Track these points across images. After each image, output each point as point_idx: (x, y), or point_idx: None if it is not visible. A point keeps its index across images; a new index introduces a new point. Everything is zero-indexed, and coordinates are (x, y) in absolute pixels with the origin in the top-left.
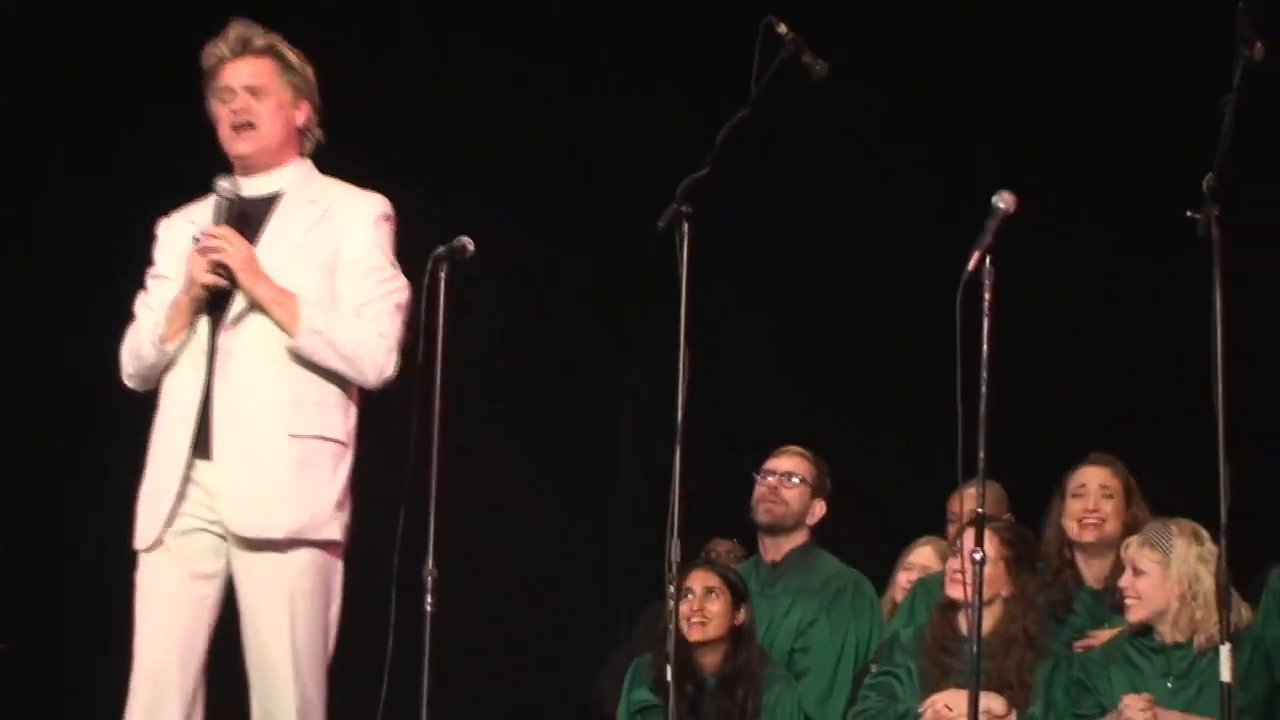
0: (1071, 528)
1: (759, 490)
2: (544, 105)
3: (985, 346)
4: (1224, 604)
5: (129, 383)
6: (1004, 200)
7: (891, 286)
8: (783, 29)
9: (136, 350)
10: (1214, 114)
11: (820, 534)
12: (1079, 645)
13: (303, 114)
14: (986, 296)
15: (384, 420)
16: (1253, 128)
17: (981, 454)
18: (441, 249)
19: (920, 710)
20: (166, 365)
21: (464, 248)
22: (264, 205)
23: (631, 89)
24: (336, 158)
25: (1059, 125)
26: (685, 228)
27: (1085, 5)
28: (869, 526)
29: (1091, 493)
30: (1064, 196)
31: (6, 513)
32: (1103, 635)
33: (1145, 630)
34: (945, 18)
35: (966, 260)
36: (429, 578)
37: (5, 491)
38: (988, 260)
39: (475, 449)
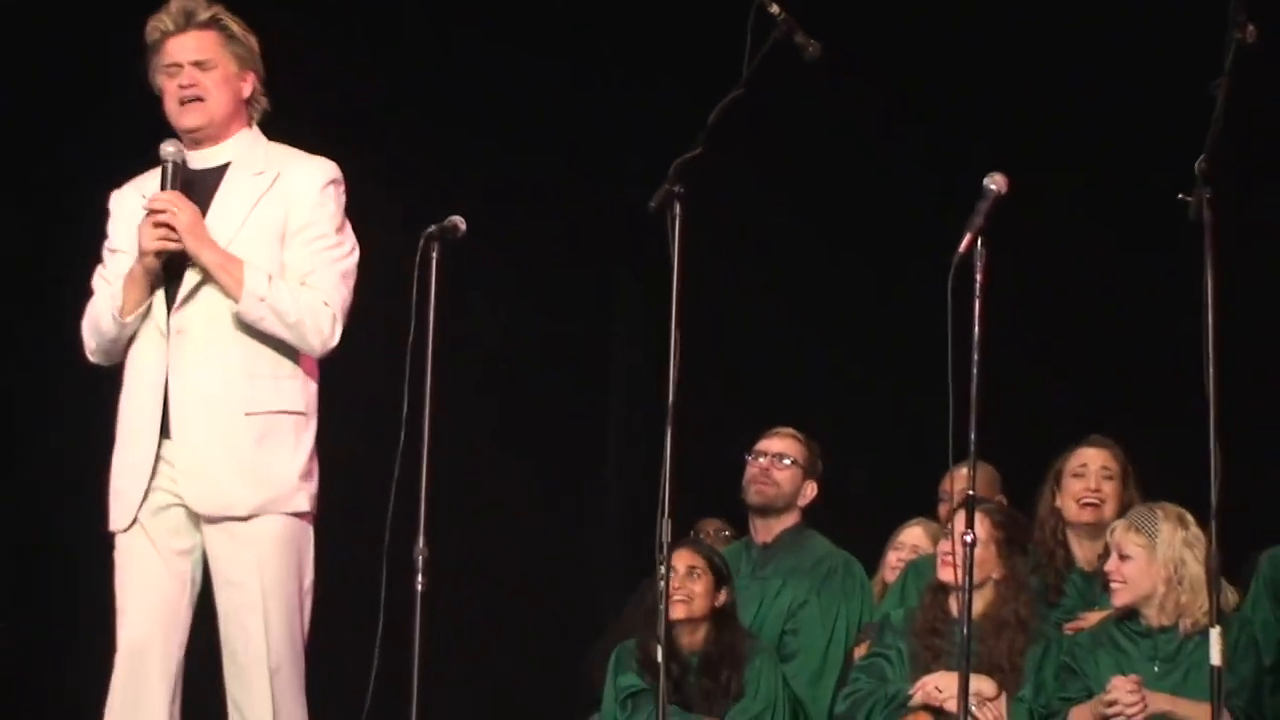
0: (1070, 508)
1: (750, 471)
2: (535, 86)
3: (977, 328)
4: (1214, 587)
5: (92, 358)
6: (995, 182)
7: (884, 267)
8: (775, 9)
9: (96, 325)
10: (1206, 97)
11: (811, 515)
12: (1070, 627)
13: (249, 84)
14: (978, 278)
15: (374, 399)
16: (1245, 110)
17: (973, 435)
18: (433, 228)
19: (911, 692)
20: (129, 339)
21: (455, 227)
22: (212, 176)
23: (623, 72)
24: (328, 136)
25: (1052, 107)
26: (677, 208)
27: None
28: (859, 507)
29: (1093, 473)
30: (1057, 179)
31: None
32: (1093, 617)
33: (1131, 614)
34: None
35: (958, 242)
36: (420, 557)
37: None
38: (979, 242)
39: (466, 429)
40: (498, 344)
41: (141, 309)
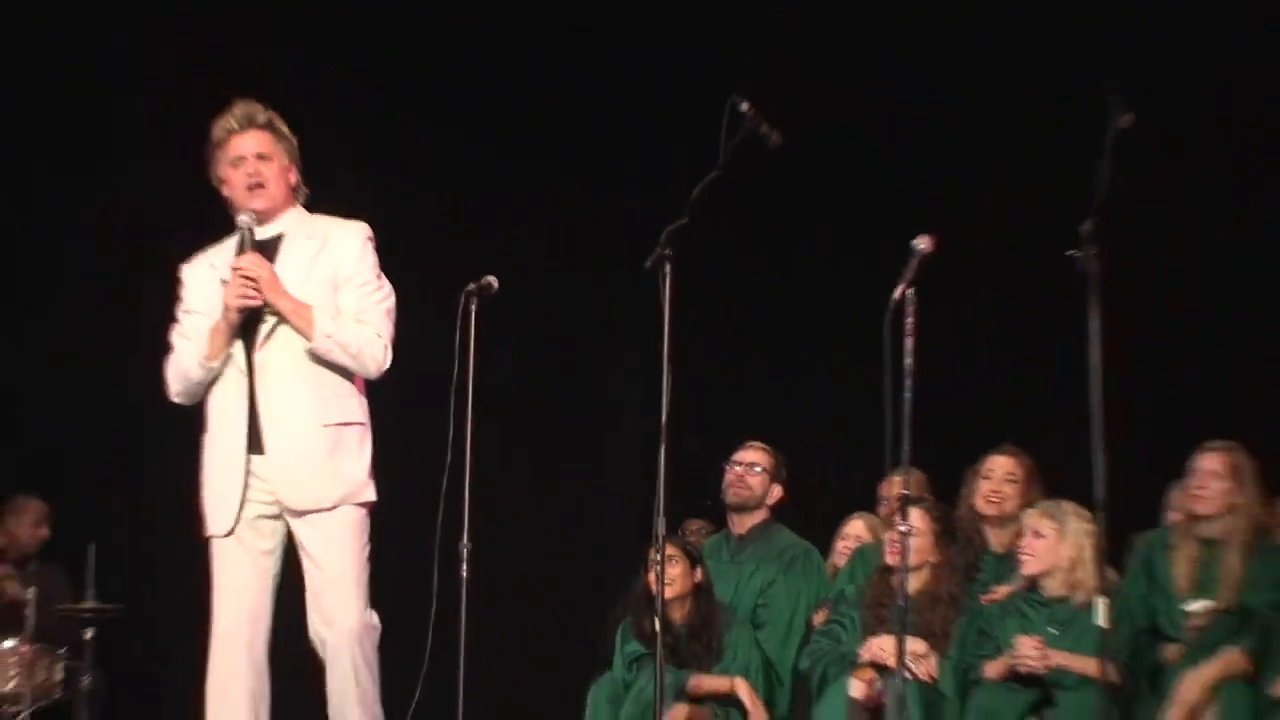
0: (980, 503)
1: (728, 477)
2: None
3: (909, 359)
4: (1102, 565)
5: (177, 399)
6: (923, 243)
7: (835, 313)
8: (744, 106)
9: (184, 373)
10: (1091, 170)
11: (778, 512)
12: (985, 599)
13: (294, 174)
14: (909, 320)
15: (424, 429)
16: (1125, 179)
17: (906, 446)
18: (472, 285)
19: (860, 651)
20: (211, 381)
21: (490, 285)
22: (271, 245)
23: (609, 146)
24: (362, 195)
25: (969, 180)
26: (668, 268)
27: (979, 89)
28: (815, 506)
29: (997, 476)
30: (975, 237)
31: (111, 500)
32: (1003, 590)
33: (1033, 587)
34: (866, 94)
35: (892, 292)
36: (464, 550)
37: (111, 483)
38: (910, 291)
39: (500, 451)
40: (522, 382)
41: (224, 354)
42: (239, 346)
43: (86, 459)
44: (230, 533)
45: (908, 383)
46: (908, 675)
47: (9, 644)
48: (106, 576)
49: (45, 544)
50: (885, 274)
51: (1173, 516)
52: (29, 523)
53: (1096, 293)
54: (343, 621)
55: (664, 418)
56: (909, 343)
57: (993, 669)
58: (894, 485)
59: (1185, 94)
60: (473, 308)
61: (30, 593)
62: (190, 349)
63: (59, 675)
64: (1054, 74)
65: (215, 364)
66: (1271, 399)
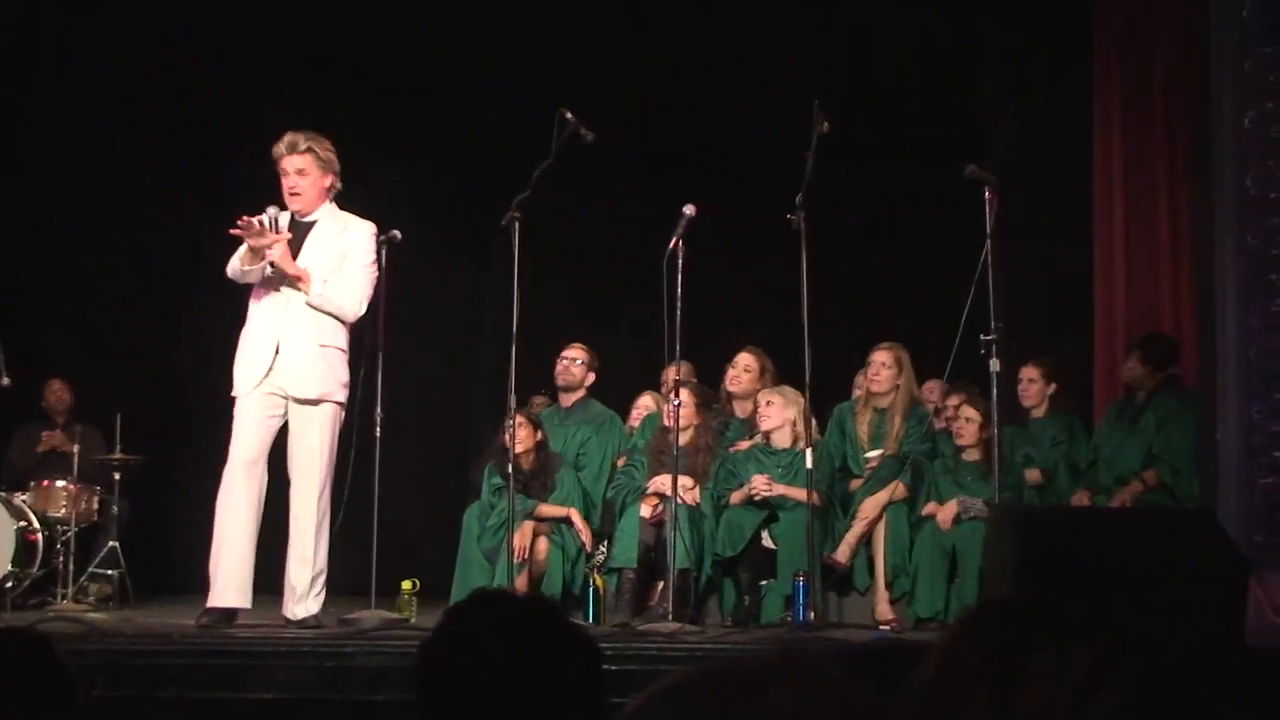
0: (729, 385)
1: (558, 367)
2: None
3: (680, 290)
4: (810, 426)
5: (230, 278)
6: (689, 209)
7: (633, 256)
8: (569, 115)
9: (233, 264)
10: (801, 161)
11: (592, 391)
12: (732, 449)
13: (329, 180)
14: (680, 263)
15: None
16: (824, 167)
17: (678, 347)
18: (383, 236)
19: (647, 485)
20: (248, 281)
21: (395, 236)
22: (306, 228)
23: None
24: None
25: (723, 165)
26: (517, 226)
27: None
28: (618, 386)
29: (740, 367)
30: (726, 205)
31: (156, 369)
32: (743, 445)
33: (766, 440)
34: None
35: (668, 244)
36: (378, 418)
37: (158, 358)
38: (681, 243)
39: (404, 351)
40: (419, 301)
41: (256, 264)
42: (285, 283)
43: (119, 348)
44: (247, 395)
45: (680, 305)
46: (679, 501)
47: (61, 482)
48: (131, 435)
49: (72, 409)
50: (665, 230)
51: (857, 392)
52: (56, 395)
53: (805, 242)
54: (311, 483)
55: (514, 328)
56: (680, 279)
57: (737, 496)
58: (671, 372)
59: (860, 110)
60: (383, 251)
61: (76, 447)
62: (237, 255)
63: (95, 504)
64: (779, 97)
65: (246, 268)
66: (922, 310)
